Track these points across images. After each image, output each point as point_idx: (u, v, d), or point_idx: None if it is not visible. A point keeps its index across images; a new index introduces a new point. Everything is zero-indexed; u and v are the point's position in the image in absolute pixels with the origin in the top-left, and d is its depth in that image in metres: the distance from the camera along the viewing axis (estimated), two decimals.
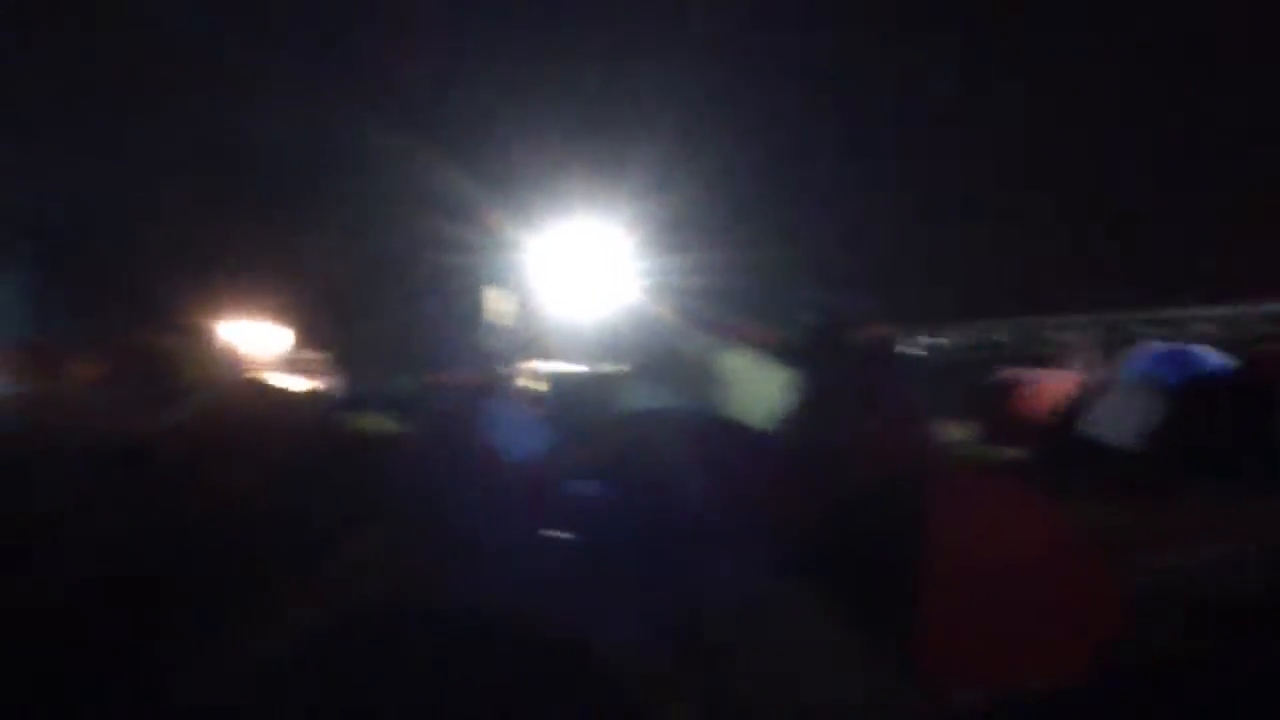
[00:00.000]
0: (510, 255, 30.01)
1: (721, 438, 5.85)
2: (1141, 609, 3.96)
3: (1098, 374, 10.17)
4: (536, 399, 13.33)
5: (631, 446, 5.58)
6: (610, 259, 31.83)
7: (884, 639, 2.79)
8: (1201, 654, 3.74)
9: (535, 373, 22.17)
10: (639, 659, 2.32)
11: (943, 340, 29.17)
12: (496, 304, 26.13)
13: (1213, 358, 8.56)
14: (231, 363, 15.23)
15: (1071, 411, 7.81)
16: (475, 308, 26.05)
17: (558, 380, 17.64)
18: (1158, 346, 10.15)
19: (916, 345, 29.64)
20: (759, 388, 12.32)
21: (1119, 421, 9.27)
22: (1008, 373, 16.25)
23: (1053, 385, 10.24)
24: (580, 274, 31.55)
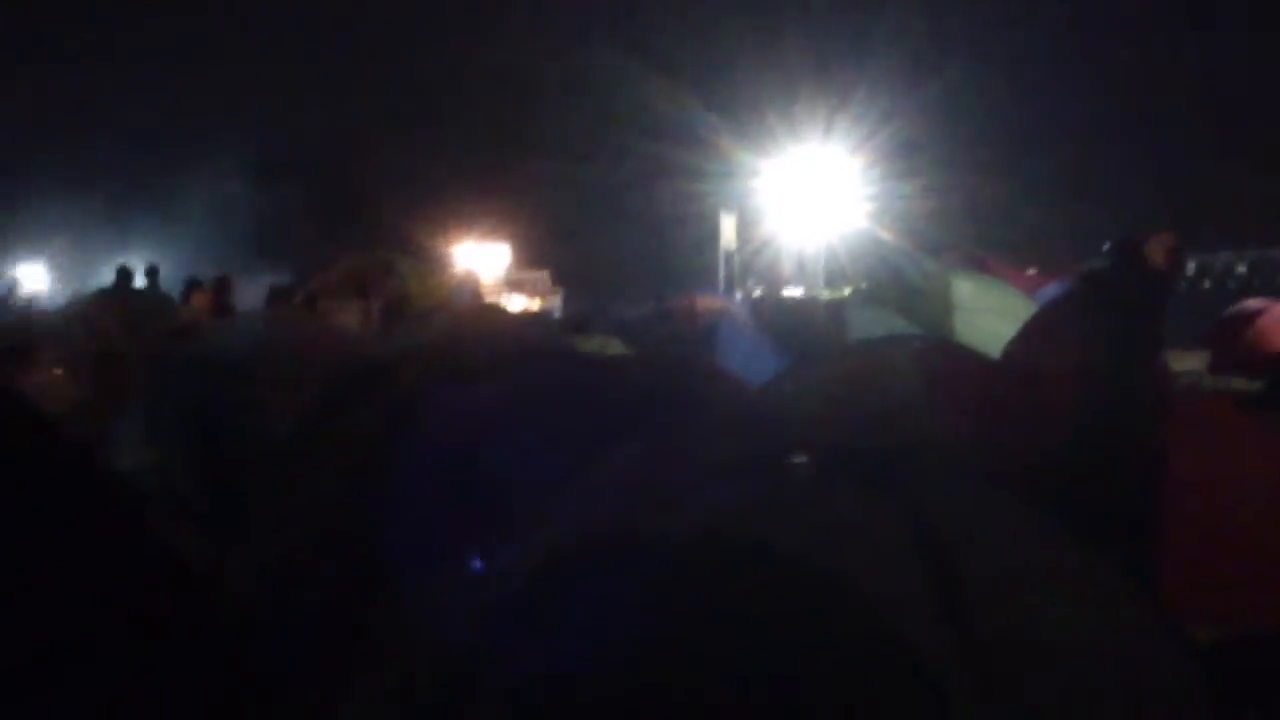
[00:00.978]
0: (742, 180, 29.92)
1: (954, 365, 5.76)
2: None
3: None
4: (765, 323, 13.32)
5: (861, 373, 5.54)
6: (838, 184, 31.45)
7: (1125, 571, 2.74)
8: None
9: (764, 297, 22.05)
10: (884, 582, 2.32)
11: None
12: (728, 229, 26.12)
13: None
14: (463, 284, 15.57)
15: None
16: (708, 232, 26.07)
17: (786, 305, 17.57)
18: None
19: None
20: (990, 314, 12.09)
21: None
22: (1245, 304, 15.55)
23: None
24: (809, 199, 31.26)
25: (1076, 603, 2.41)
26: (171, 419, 6.59)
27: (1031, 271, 18.26)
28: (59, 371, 8.45)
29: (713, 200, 26.91)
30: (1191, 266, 27.70)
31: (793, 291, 27.03)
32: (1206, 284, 26.02)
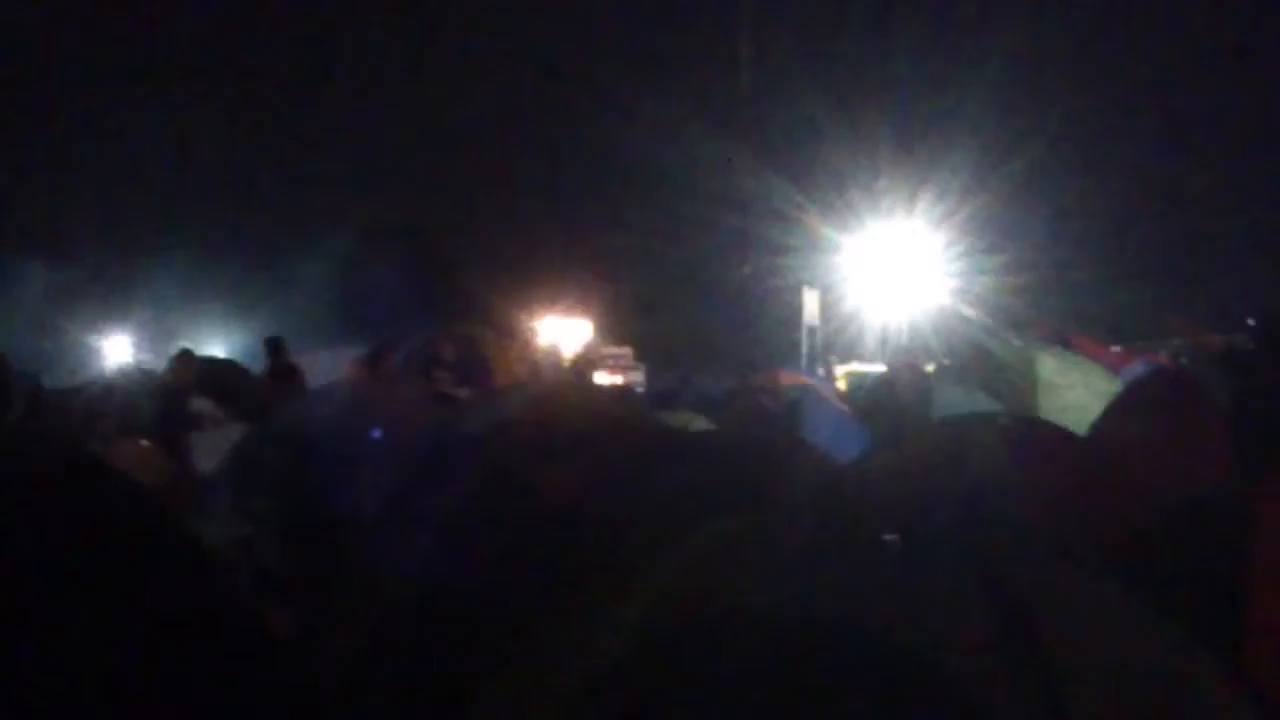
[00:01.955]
0: (825, 256, 30.00)
1: (1040, 442, 5.74)
2: None
3: None
4: (850, 399, 13.30)
5: (947, 450, 5.55)
6: (921, 259, 31.40)
7: (1212, 654, 2.74)
8: None
9: (849, 373, 21.97)
10: (974, 661, 2.34)
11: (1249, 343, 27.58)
12: (811, 304, 26.16)
13: None
14: (549, 360, 15.68)
15: None
16: (790, 308, 26.12)
17: (870, 381, 17.50)
18: None
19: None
20: (1075, 391, 12.00)
21: None
22: None
23: None
24: (892, 274, 31.22)
25: (1163, 686, 2.42)
26: (262, 491, 6.67)
27: (1116, 349, 18.12)
28: (146, 443, 8.56)
29: (796, 276, 26.98)
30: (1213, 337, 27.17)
31: (877, 367, 26.97)
32: None
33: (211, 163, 43.69)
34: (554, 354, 16.17)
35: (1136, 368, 13.53)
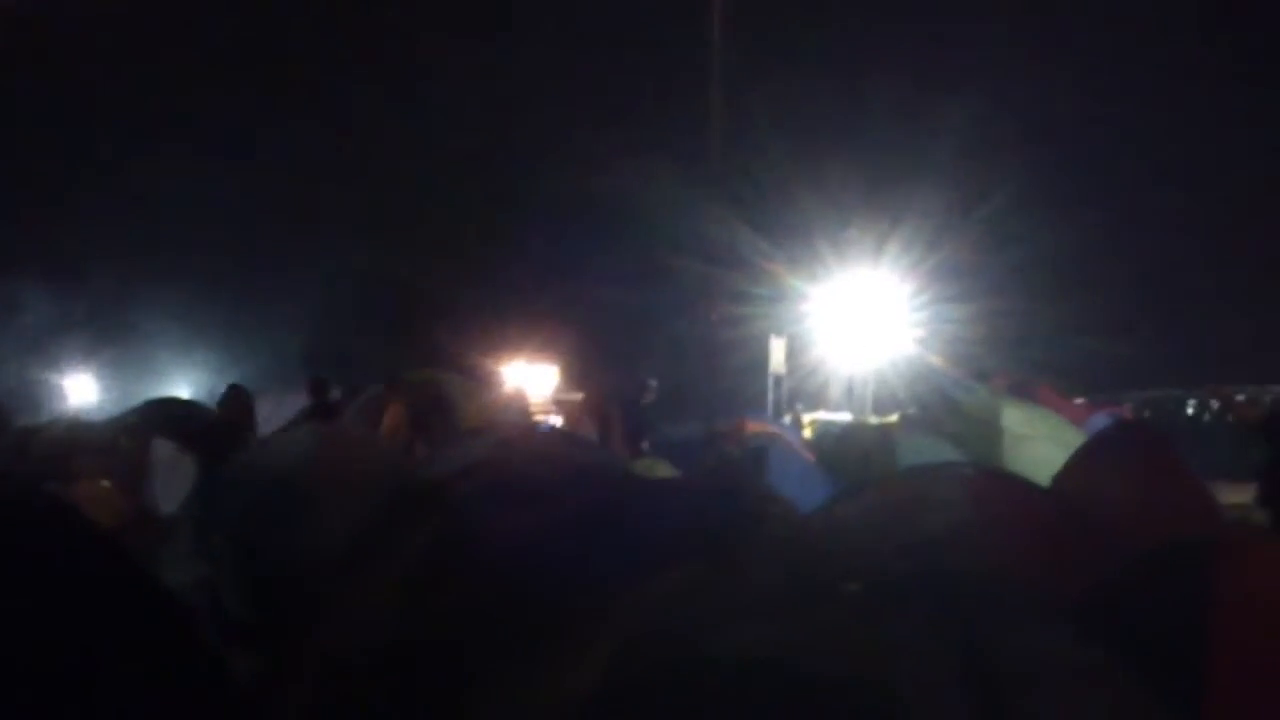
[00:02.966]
0: (791, 305, 30.05)
1: (1004, 493, 5.75)
2: None
3: None
4: (814, 448, 13.32)
5: (911, 500, 5.55)
6: (888, 309, 31.53)
7: (1174, 706, 2.74)
8: None
9: (815, 422, 21.99)
10: (935, 709, 2.34)
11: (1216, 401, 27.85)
12: (778, 352, 26.21)
13: None
14: (513, 405, 15.63)
15: None
16: (757, 356, 26.18)
17: (834, 431, 17.52)
18: None
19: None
20: (1040, 442, 12.05)
21: None
22: None
23: None
24: (858, 324, 31.32)
25: None
26: (222, 534, 6.60)
27: (1080, 401, 18.22)
28: (107, 484, 8.46)
29: (762, 324, 27.02)
30: (1241, 398, 27.44)
31: (841, 416, 27.02)
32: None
33: (178, 206, 43.55)
34: (519, 399, 16.11)
35: (1098, 419, 13.62)
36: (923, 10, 41.00)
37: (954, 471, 6.35)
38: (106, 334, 42.14)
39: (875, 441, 12.03)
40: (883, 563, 3.42)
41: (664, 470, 9.66)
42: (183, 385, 37.09)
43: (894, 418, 20.87)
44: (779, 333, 26.84)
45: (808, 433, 19.37)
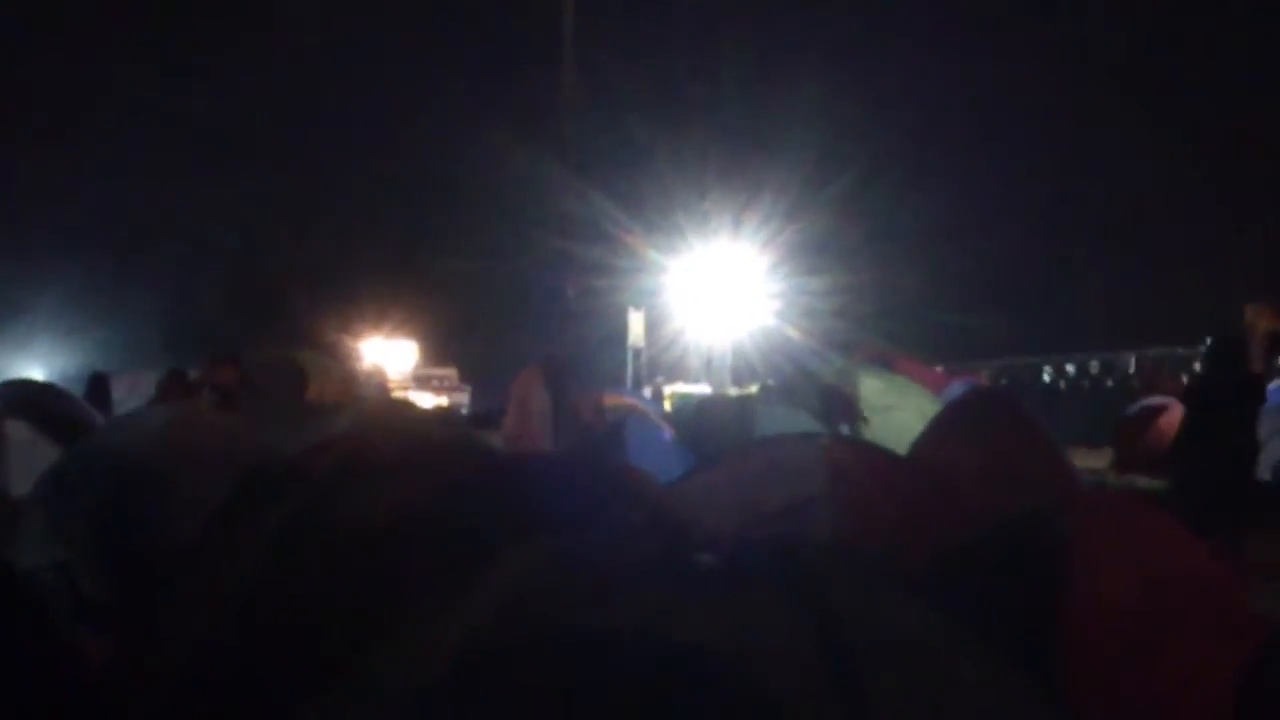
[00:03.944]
0: (650, 277, 30.15)
1: (860, 462, 5.79)
2: None
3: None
4: (673, 421, 13.34)
5: (768, 470, 5.56)
6: (746, 281, 31.78)
7: (1029, 669, 2.75)
8: None
9: (673, 394, 22.13)
10: (788, 679, 2.31)
11: (1071, 366, 28.62)
12: (636, 325, 26.27)
13: None
14: (371, 380, 15.48)
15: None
16: (616, 328, 26.21)
17: (692, 403, 17.61)
18: None
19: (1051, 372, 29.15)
20: (897, 411, 12.22)
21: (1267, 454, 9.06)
22: (1148, 402, 15.84)
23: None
24: (717, 296, 31.52)
25: (977, 702, 2.42)
26: (76, 516, 6.46)
27: (938, 369, 18.52)
28: None
29: (620, 297, 27.08)
30: (1095, 365, 28.24)
31: (700, 388, 27.20)
32: (1109, 383, 26.49)
33: (35, 185, 42.46)
34: (377, 375, 15.95)
35: (955, 387, 13.84)
36: None
37: (810, 441, 6.37)
38: None
39: (734, 413, 12.10)
40: (738, 533, 3.39)
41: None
42: (40, 368, 36.25)
43: (753, 389, 21.06)
44: (637, 305, 26.93)
45: (668, 405, 19.43)
